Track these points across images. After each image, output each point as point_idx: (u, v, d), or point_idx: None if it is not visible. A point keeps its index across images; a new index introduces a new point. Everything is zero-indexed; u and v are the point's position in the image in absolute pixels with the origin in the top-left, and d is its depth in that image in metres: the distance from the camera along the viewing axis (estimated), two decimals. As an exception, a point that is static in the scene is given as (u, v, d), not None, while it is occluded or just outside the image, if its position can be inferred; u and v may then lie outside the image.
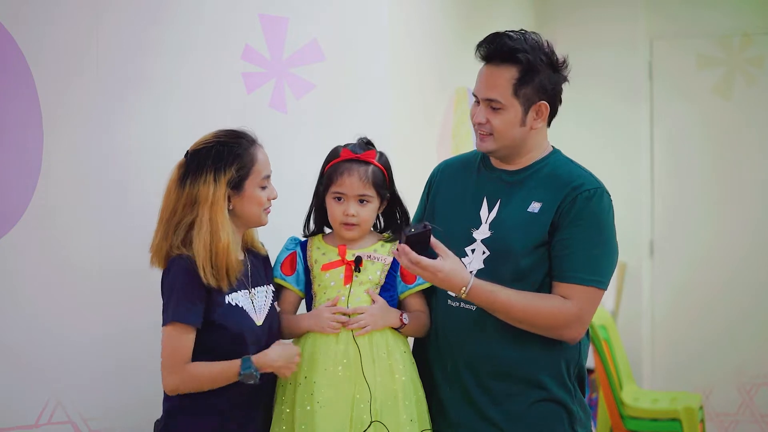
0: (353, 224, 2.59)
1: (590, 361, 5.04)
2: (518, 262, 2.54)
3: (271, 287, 2.60)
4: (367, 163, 2.60)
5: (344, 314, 2.53)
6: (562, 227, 2.53)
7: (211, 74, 2.87)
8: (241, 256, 2.51)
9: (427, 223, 2.44)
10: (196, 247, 2.40)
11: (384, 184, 2.63)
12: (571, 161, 2.66)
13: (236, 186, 2.46)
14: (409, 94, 4.16)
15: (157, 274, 2.48)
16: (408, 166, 3.28)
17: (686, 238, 6.22)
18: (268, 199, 2.52)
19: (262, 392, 2.52)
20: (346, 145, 2.63)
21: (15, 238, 2.41)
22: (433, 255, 2.46)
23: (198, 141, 2.50)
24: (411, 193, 2.90)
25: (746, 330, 6.04)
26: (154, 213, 2.68)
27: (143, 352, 2.55)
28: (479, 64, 2.62)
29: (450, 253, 2.47)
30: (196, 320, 2.39)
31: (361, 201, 2.59)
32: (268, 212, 2.54)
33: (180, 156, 2.69)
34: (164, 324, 2.39)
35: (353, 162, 2.59)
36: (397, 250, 2.44)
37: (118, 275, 2.62)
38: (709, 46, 6.16)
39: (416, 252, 2.42)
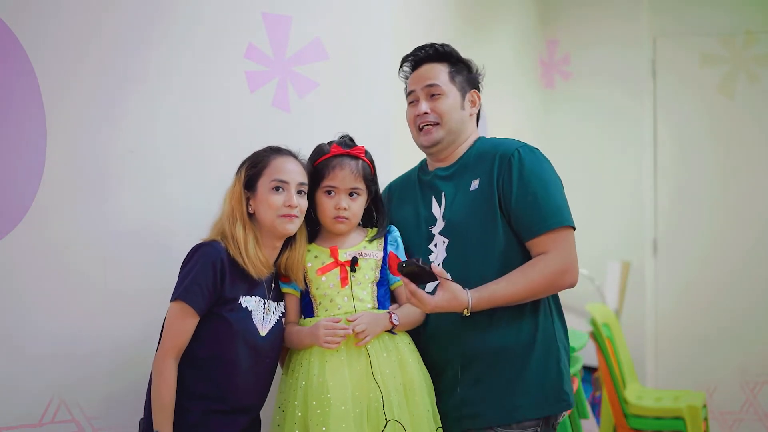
0: (345, 218, 2.64)
1: (594, 360, 5.04)
2: (479, 239, 2.61)
3: (283, 304, 2.63)
4: (357, 157, 2.67)
5: (343, 327, 2.53)
6: (508, 193, 2.61)
7: (215, 72, 2.87)
8: (268, 264, 2.55)
9: (418, 258, 2.47)
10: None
11: (372, 178, 2.70)
12: (495, 137, 2.80)
13: (249, 186, 2.55)
14: (412, 93, 4.15)
15: (161, 273, 2.49)
16: (410, 164, 3.28)
17: (689, 237, 6.22)
18: (284, 205, 2.53)
19: (249, 393, 2.53)
20: (330, 143, 2.70)
21: (18, 238, 2.41)
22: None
23: None
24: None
25: (750, 328, 6.05)
26: (156, 212, 2.68)
27: (147, 352, 2.55)
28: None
29: (448, 282, 2.51)
30: (200, 307, 2.43)
31: (352, 194, 2.65)
32: (289, 220, 2.55)
33: (182, 155, 2.69)
34: (172, 300, 2.44)
35: (344, 156, 2.66)
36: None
37: (121, 274, 2.62)
38: (713, 45, 6.15)
39: (415, 283, 2.48)
